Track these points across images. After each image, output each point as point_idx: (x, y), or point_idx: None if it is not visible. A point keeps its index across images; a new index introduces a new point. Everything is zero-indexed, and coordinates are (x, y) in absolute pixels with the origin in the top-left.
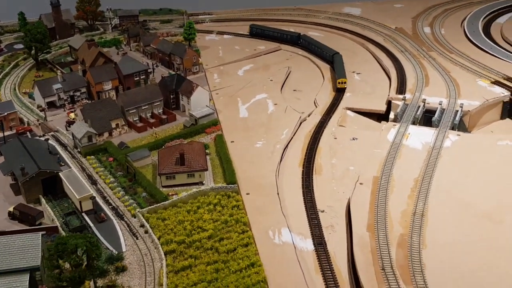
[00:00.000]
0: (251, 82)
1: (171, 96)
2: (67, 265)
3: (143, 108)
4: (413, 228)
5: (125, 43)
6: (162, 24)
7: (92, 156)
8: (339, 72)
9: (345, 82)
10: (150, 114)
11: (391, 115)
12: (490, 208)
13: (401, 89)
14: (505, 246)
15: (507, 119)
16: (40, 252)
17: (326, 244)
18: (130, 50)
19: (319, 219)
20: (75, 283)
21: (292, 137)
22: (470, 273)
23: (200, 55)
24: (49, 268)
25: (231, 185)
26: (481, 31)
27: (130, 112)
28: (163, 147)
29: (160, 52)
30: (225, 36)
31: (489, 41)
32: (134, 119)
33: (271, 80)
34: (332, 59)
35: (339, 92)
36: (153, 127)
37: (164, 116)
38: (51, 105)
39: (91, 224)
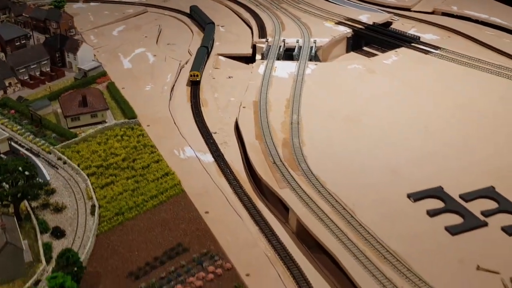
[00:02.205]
0: (127, 40)
1: (57, 55)
2: None
3: (31, 67)
4: (292, 133)
5: None
6: None
7: None
8: (194, 64)
9: (197, 75)
10: (39, 72)
11: (258, 57)
12: (350, 113)
13: (262, 34)
14: (364, 136)
15: (351, 52)
16: None
17: (223, 155)
18: (1, 21)
19: (213, 139)
20: (17, 199)
21: (176, 80)
22: (341, 157)
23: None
24: None
25: (132, 120)
26: None
27: (20, 71)
28: (60, 97)
29: (34, 19)
30: (91, 3)
31: None
32: (25, 77)
33: (145, 37)
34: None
35: (194, 85)
36: (47, 82)
37: (53, 73)
38: None
39: None
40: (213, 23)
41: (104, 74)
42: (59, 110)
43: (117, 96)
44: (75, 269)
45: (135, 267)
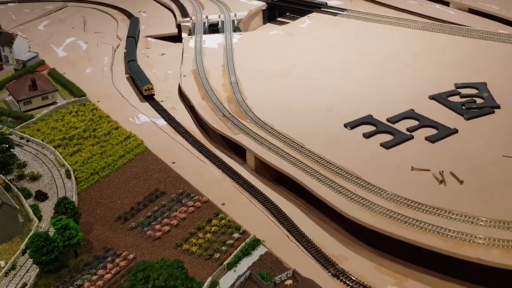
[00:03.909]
0: (55, 32)
1: None
2: None
3: None
4: (234, 90)
5: None
6: None
7: None
8: (142, 79)
9: (151, 88)
10: None
11: (184, 35)
12: (280, 69)
13: (184, 14)
14: (295, 86)
15: (268, 23)
16: None
17: (174, 118)
18: None
19: (162, 106)
20: None
21: (113, 62)
22: (280, 105)
23: None
24: None
25: (82, 97)
26: None
27: None
28: (5, 87)
29: None
30: (9, 4)
31: None
32: None
33: (72, 28)
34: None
35: (148, 99)
36: None
37: None
38: None
39: None
40: (134, 38)
41: (42, 63)
42: (7, 99)
43: (61, 79)
44: (73, 214)
45: (121, 212)
